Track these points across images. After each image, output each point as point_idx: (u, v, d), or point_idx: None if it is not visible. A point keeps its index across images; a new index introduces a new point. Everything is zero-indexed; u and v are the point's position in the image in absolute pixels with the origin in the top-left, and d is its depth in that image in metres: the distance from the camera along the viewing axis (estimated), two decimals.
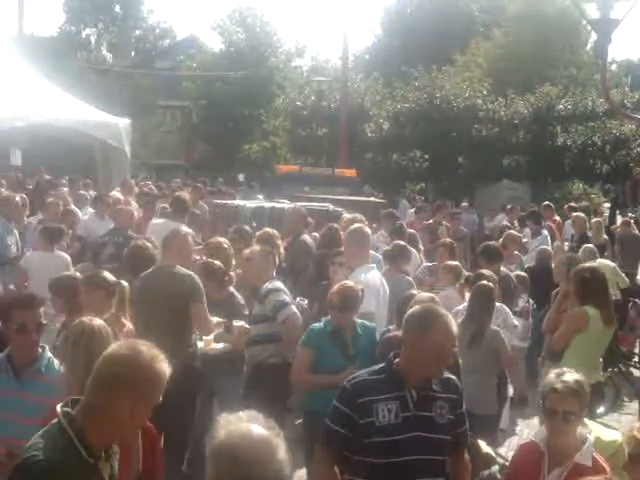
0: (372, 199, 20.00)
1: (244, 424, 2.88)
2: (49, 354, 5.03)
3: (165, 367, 3.42)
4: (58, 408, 3.29)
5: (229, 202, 15.72)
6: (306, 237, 11.37)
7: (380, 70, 38.14)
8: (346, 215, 12.13)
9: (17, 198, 11.87)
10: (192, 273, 7.67)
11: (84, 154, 20.91)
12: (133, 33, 60.48)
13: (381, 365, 4.66)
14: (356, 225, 8.99)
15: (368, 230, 8.89)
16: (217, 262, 8.49)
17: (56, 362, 4.99)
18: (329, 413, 4.65)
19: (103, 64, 52.86)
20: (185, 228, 11.54)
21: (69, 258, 10.40)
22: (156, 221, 12.03)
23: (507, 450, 8.95)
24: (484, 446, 5.57)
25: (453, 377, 4.69)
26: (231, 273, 8.76)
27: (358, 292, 6.83)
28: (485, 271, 8.94)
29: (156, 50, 60.64)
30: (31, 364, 4.93)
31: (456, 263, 10.06)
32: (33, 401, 4.77)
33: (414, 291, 7.70)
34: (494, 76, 35.49)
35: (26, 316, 4.95)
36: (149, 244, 8.63)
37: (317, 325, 6.89)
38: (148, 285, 7.60)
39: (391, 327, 7.26)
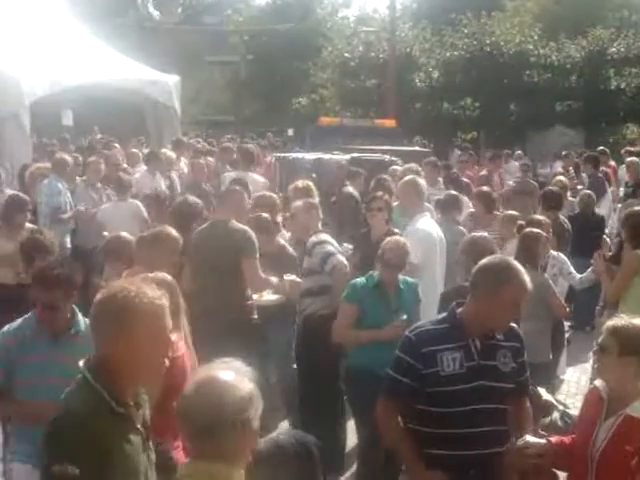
0: (416, 148, 19.83)
1: (212, 370, 2.99)
2: (80, 315, 4.93)
3: (157, 296, 3.25)
4: (81, 364, 3.29)
5: (289, 155, 15.74)
6: (349, 189, 11.38)
7: (428, 18, 37.61)
8: (396, 167, 12.09)
9: (69, 159, 11.99)
10: (246, 228, 7.70)
11: (135, 113, 21.00)
12: None
13: (443, 315, 4.65)
14: (410, 176, 8.97)
15: (422, 181, 8.87)
16: (265, 214, 8.50)
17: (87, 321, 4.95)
18: (392, 363, 4.64)
19: (150, 22, 52.88)
20: (256, 177, 11.75)
21: (140, 204, 10.79)
22: (228, 174, 12.26)
23: (565, 397, 8.93)
24: (544, 393, 5.56)
25: (514, 325, 4.66)
26: (278, 220, 8.81)
27: (408, 249, 6.79)
28: (538, 217, 8.85)
29: (203, 6, 60.47)
30: (65, 329, 4.88)
31: (511, 212, 9.93)
32: (73, 364, 4.81)
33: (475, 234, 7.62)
34: (545, 21, 34.86)
35: (44, 295, 4.85)
36: (194, 200, 8.68)
37: (359, 280, 6.82)
38: (203, 239, 7.66)
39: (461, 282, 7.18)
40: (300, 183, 9.84)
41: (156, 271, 5.86)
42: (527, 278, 4.51)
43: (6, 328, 4.90)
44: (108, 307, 3.21)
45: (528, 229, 8.12)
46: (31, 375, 4.73)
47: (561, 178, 13.39)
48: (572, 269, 8.87)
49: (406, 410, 4.62)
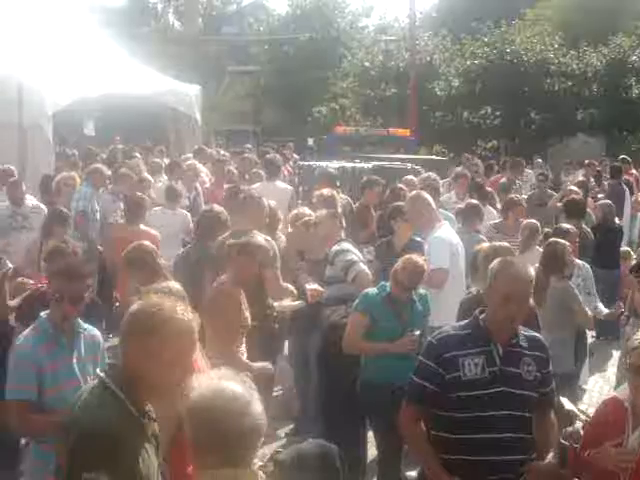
0: (433, 157, 19.85)
1: (216, 382, 3.00)
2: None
3: (186, 316, 3.30)
4: (99, 371, 3.34)
5: (312, 163, 15.79)
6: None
7: (448, 27, 37.60)
8: (408, 177, 12.08)
9: (104, 168, 12.13)
10: (268, 238, 7.72)
11: (156, 122, 21.11)
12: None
13: (467, 321, 4.66)
14: (413, 193, 8.90)
15: (425, 194, 8.73)
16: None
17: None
18: (415, 368, 4.66)
19: (171, 32, 53.13)
20: (281, 184, 11.82)
21: (189, 215, 11.02)
22: (255, 185, 12.36)
23: (587, 407, 8.86)
24: (567, 403, 5.52)
25: (540, 336, 4.67)
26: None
27: (424, 269, 6.75)
28: (565, 225, 8.82)
29: (223, 16, 60.71)
30: (74, 327, 4.90)
31: (532, 221, 9.88)
32: (87, 362, 4.85)
33: (483, 244, 7.65)
34: (565, 29, 34.75)
35: (72, 287, 4.88)
36: (220, 209, 8.71)
37: (371, 290, 6.82)
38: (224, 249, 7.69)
39: (473, 289, 7.19)
40: (325, 192, 9.85)
41: (243, 280, 6.17)
42: (521, 271, 4.52)
43: (28, 340, 4.81)
44: (141, 320, 3.25)
45: (553, 238, 8.09)
46: (60, 382, 4.70)
47: (571, 187, 13.31)
48: (594, 289, 8.76)
49: (429, 416, 4.62)
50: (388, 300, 6.61)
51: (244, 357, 6.45)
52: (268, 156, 13.56)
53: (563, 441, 4.70)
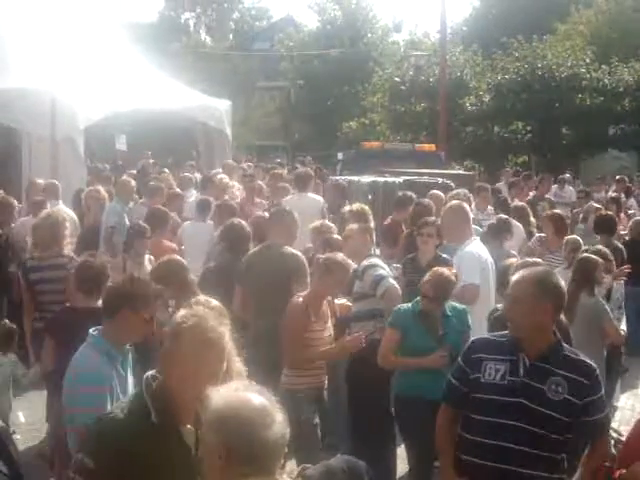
0: (460, 172, 19.79)
1: (241, 393, 3.00)
2: None
3: (220, 330, 3.42)
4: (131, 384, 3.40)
5: (345, 178, 15.79)
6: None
7: (479, 42, 37.53)
8: (433, 191, 12.05)
9: (132, 182, 12.23)
10: (298, 253, 7.73)
11: (187, 137, 21.21)
12: (231, 16, 61.01)
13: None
14: (454, 202, 8.90)
15: (467, 206, 8.79)
16: None
17: None
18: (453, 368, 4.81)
19: (202, 47, 53.49)
20: (314, 196, 12.12)
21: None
22: (286, 198, 12.41)
23: (619, 424, 8.76)
24: None
25: (589, 362, 4.56)
26: None
27: (451, 281, 6.73)
28: (604, 249, 8.73)
29: (254, 32, 61.06)
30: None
31: (575, 237, 9.78)
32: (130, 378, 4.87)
33: (512, 259, 7.62)
34: (597, 44, 34.59)
35: (150, 308, 4.90)
36: (245, 223, 8.75)
37: (404, 305, 6.82)
38: (255, 263, 7.71)
39: (499, 306, 7.13)
40: (355, 206, 9.85)
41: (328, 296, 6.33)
42: (525, 273, 4.57)
43: (94, 361, 4.69)
44: (185, 333, 3.33)
45: (585, 254, 8.03)
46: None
47: (593, 204, 13.20)
48: (624, 314, 8.68)
49: (459, 417, 4.72)
50: (420, 315, 6.61)
51: (324, 369, 6.59)
52: (299, 169, 13.64)
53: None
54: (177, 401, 3.34)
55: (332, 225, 9.37)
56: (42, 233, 8.13)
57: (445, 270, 6.77)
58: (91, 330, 4.88)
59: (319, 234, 8.83)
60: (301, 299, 6.55)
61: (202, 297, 5.07)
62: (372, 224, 9.29)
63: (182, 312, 3.46)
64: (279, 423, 2.95)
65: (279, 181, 14.76)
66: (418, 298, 6.76)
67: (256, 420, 2.91)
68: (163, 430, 3.32)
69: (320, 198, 12.44)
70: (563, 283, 4.61)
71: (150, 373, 3.52)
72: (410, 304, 6.78)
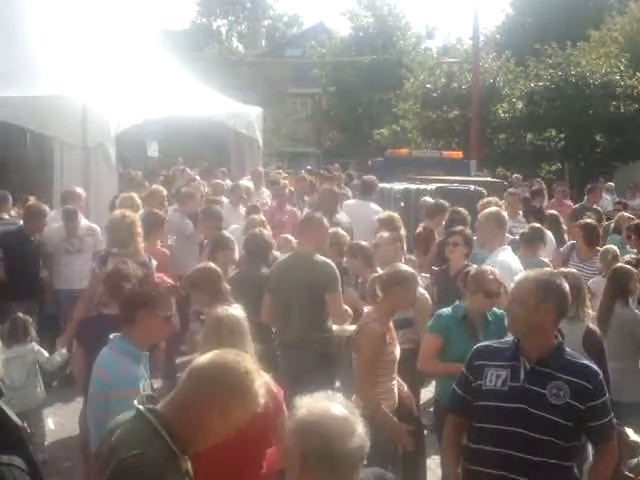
0: (488, 179, 19.71)
1: (324, 402, 3.00)
2: None
3: (259, 384, 3.40)
4: (140, 406, 3.32)
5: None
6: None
7: (512, 49, 37.33)
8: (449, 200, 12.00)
9: (163, 190, 12.27)
10: (329, 261, 7.68)
11: (218, 144, 21.26)
12: (262, 22, 61.23)
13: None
14: (492, 208, 8.85)
15: (504, 213, 8.74)
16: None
17: None
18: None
19: (235, 54, 53.70)
20: (375, 206, 11.98)
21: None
22: (348, 202, 12.40)
23: None
24: (632, 434, 5.37)
25: (592, 366, 4.49)
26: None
27: (490, 274, 6.68)
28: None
29: (286, 38, 61.22)
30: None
31: (612, 247, 9.64)
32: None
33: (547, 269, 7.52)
34: (632, 51, 34.23)
35: (170, 307, 5.05)
36: (267, 232, 8.74)
37: (445, 310, 6.78)
38: (286, 272, 7.66)
39: None
40: (384, 214, 9.83)
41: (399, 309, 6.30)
42: (528, 274, 4.63)
43: (128, 365, 4.82)
44: (222, 375, 3.30)
45: (619, 264, 7.92)
46: None
47: (623, 214, 13.00)
48: None
49: (466, 427, 4.69)
50: (464, 321, 6.59)
51: (394, 390, 6.41)
52: (365, 176, 13.63)
53: (628, 473, 4.57)
54: (186, 431, 3.32)
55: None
56: (120, 232, 8.47)
57: (488, 267, 6.83)
58: (111, 336, 4.95)
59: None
60: (377, 325, 6.29)
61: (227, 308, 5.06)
62: (403, 231, 9.25)
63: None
64: (359, 434, 2.95)
65: (307, 187, 14.80)
66: (458, 303, 6.72)
67: (336, 430, 2.91)
68: (179, 461, 3.31)
69: (379, 209, 12.18)
70: (567, 287, 4.52)
71: (147, 395, 3.48)
72: (450, 309, 6.73)
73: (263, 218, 10.94)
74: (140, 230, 8.64)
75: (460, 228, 8.74)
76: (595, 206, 14.97)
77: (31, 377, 8.09)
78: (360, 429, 2.96)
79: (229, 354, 3.42)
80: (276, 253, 8.96)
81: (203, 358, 3.39)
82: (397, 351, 6.44)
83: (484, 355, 4.61)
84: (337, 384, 8.39)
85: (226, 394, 3.26)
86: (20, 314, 8.38)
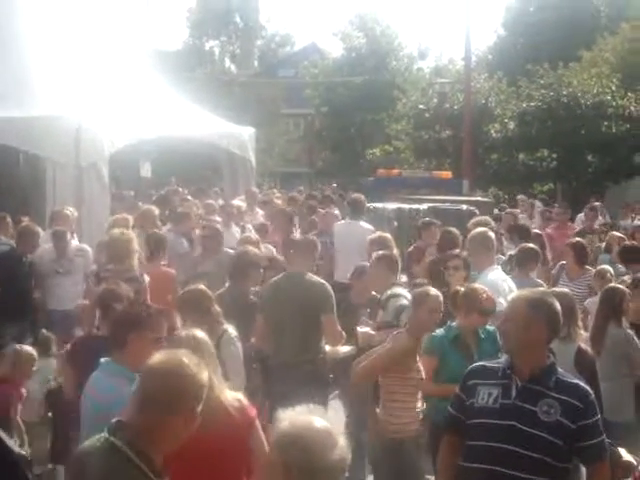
0: (479, 198, 19.81)
1: (306, 416, 3.03)
2: None
3: (205, 374, 3.46)
4: (110, 436, 3.33)
5: (371, 205, 15.83)
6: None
7: (504, 69, 37.50)
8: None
9: (155, 210, 12.27)
10: (324, 282, 7.68)
11: (211, 164, 21.28)
12: (255, 43, 61.38)
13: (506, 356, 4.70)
14: (480, 229, 8.86)
15: (492, 234, 8.75)
16: None
17: None
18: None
19: (227, 75, 53.80)
20: (366, 225, 12.19)
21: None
22: (339, 222, 12.46)
23: None
24: (624, 454, 5.35)
25: (583, 385, 4.52)
26: None
27: (480, 292, 6.71)
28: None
29: (278, 59, 61.40)
30: None
31: (605, 268, 9.66)
32: None
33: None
34: (623, 71, 34.42)
35: (162, 330, 4.99)
36: (254, 251, 8.69)
37: (439, 331, 6.77)
38: (279, 292, 7.64)
39: None
40: (376, 235, 9.83)
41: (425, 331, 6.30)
42: (520, 293, 4.73)
43: (122, 390, 4.74)
44: (174, 384, 3.34)
45: (612, 284, 7.94)
46: None
47: (614, 233, 13.06)
48: None
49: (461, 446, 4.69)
50: (456, 341, 6.63)
51: (419, 411, 6.40)
52: (354, 195, 13.69)
53: None
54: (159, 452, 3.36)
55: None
56: (117, 249, 8.76)
57: (480, 286, 6.85)
58: (102, 360, 4.92)
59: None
60: (412, 339, 6.34)
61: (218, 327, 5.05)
62: (395, 251, 9.24)
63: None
64: (341, 447, 2.97)
65: (298, 207, 14.84)
66: (450, 324, 6.74)
67: (318, 443, 2.94)
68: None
69: (371, 227, 12.24)
70: (559, 306, 4.55)
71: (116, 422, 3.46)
72: (442, 330, 6.74)
73: (256, 237, 10.95)
74: (137, 248, 8.86)
75: (458, 251, 8.75)
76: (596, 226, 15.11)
77: (43, 392, 8.17)
78: (342, 442, 2.99)
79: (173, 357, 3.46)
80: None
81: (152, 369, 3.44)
82: (422, 376, 6.41)
83: (477, 374, 4.65)
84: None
85: (186, 399, 3.32)
86: (44, 331, 8.71)
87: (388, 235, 9.86)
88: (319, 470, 2.91)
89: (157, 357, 3.47)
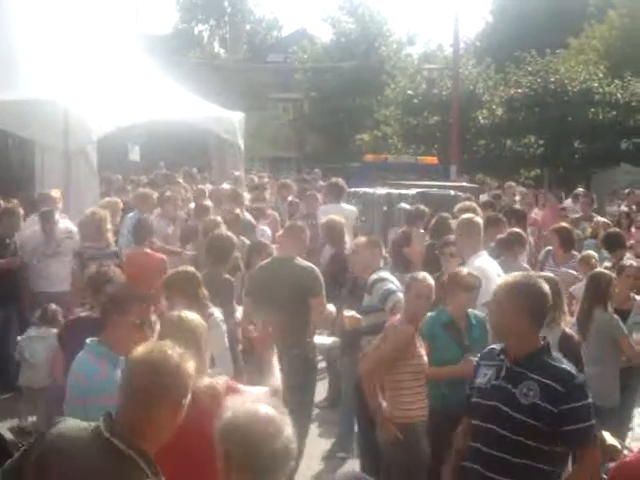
0: (464, 184, 19.85)
1: (249, 404, 3.06)
2: None
3: (191, 364, 3.39)
4: (106, 433, 3.27)
5: (360, 190, 15.86)
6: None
7: (492, 56, 37.54)
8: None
9: (151, 193, 12.34)
10: (312, 265, 7.72)
11: (199, 149, 21.24)
12: (244, 28, 61.15)
13: None
14: (465, 215, 8.87)
15: (478, 219, 8.76)
16: None
17: None
18: None
19: (216, 59, 53.62)
20: (347, 206, 12.56)
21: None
22: (324, 207, 12.56)
23: (630, 441, 8.66)
24: (609, 438, 5.41)
25: (569, 369, 4.50)
26: None
27: (469, 277, 6.74)
28: (633, 263, 8.68)
29: (267, 44, 61.21)
30: None
31: (590, 253, 9.71)
32: None
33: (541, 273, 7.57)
34: (610, 58, 34.53)
35: (141, 314, 4.94)
36: (230, 234, 8.66)
37: (431, 314, 6.76)
38: (268, 276, 7.67)
39: None
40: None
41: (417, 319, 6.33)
42: (506, 279, 4.75)
43: (108, 371, 4.73)
44: (160, 377, 3.28)
45: (598, 269, 7.99)
46: None
47: (599, 219, 13.12)
48: None
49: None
50: (448, 325, 6.67)
51: (425, 398, 6.38)
52: (333, 179, 13.74)
53: (605, 476, 4.61)
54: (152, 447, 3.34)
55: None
56: (90, 227, 9.41)
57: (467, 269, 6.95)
58: (88, 340, 4.92)
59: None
60: (410, 327, 6.36)
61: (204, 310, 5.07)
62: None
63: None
64: (285, 436, 2.98)
65: (289, 192, 14.90)
66: (442, 307, 6.76)
67: (259, 431, 2.95)
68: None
69: (353, 208, 12.53)
70: (546, 289, 4.59)
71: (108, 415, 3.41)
72: (434, 313, 6.75)
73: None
74: (109, 226, 9.46)
75: (453, 237, 8.75)
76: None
77: (48, 359, 8.33)
78: (287, 431, 3.00)
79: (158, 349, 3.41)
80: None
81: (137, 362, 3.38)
82: (425, 360, 6.42)
83: (485, 355, 4.83)
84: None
85: (173, 392, 3.29)
86: (53, 305, 8.87)
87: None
88: (260, 458, 2.93)
89: (142, 349, 3.38)
